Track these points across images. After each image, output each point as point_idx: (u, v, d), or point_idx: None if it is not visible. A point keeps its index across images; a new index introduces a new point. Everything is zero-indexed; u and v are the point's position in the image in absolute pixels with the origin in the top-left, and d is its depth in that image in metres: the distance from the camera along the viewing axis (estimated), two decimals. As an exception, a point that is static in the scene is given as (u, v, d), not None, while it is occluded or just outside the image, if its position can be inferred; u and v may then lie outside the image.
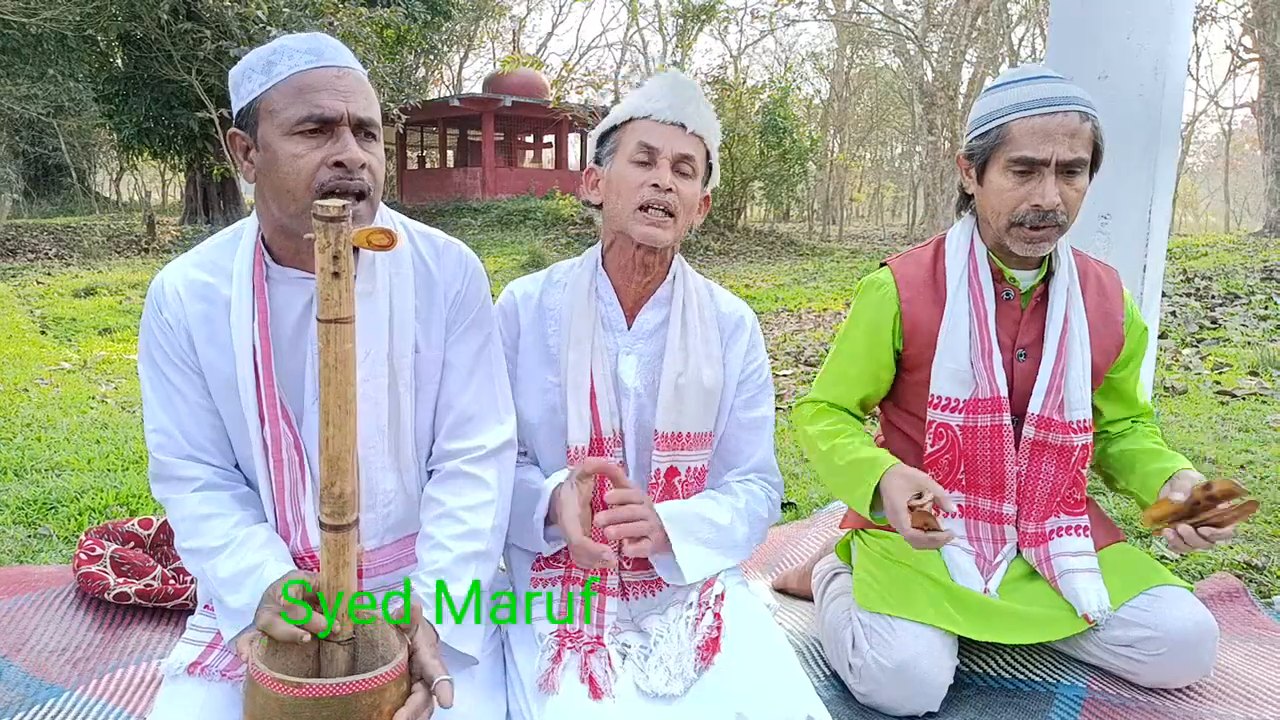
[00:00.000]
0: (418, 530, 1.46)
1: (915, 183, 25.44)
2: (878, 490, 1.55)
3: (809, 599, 2.05)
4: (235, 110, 1.33)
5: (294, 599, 1.19)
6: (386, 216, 1.45)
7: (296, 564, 1.35)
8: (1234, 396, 4.42)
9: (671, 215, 1.50)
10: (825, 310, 9.88)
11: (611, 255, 1.60)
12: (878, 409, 1.91)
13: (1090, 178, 1.61)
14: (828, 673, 1.72)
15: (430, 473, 1.49)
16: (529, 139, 27.26)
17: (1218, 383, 4.76)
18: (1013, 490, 1.67)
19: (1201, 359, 5.53)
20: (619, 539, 1.41)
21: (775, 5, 18.69)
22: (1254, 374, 4.96)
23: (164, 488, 1.38)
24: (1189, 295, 8.05)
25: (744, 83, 20.45)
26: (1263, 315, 6.90)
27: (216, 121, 16.20)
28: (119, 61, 17.71)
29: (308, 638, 1.18)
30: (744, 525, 1.59)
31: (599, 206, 1.61)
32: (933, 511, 1.45)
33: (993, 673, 1.70)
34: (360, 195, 1.29)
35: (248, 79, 1.30)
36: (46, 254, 14.31)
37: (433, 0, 19.03)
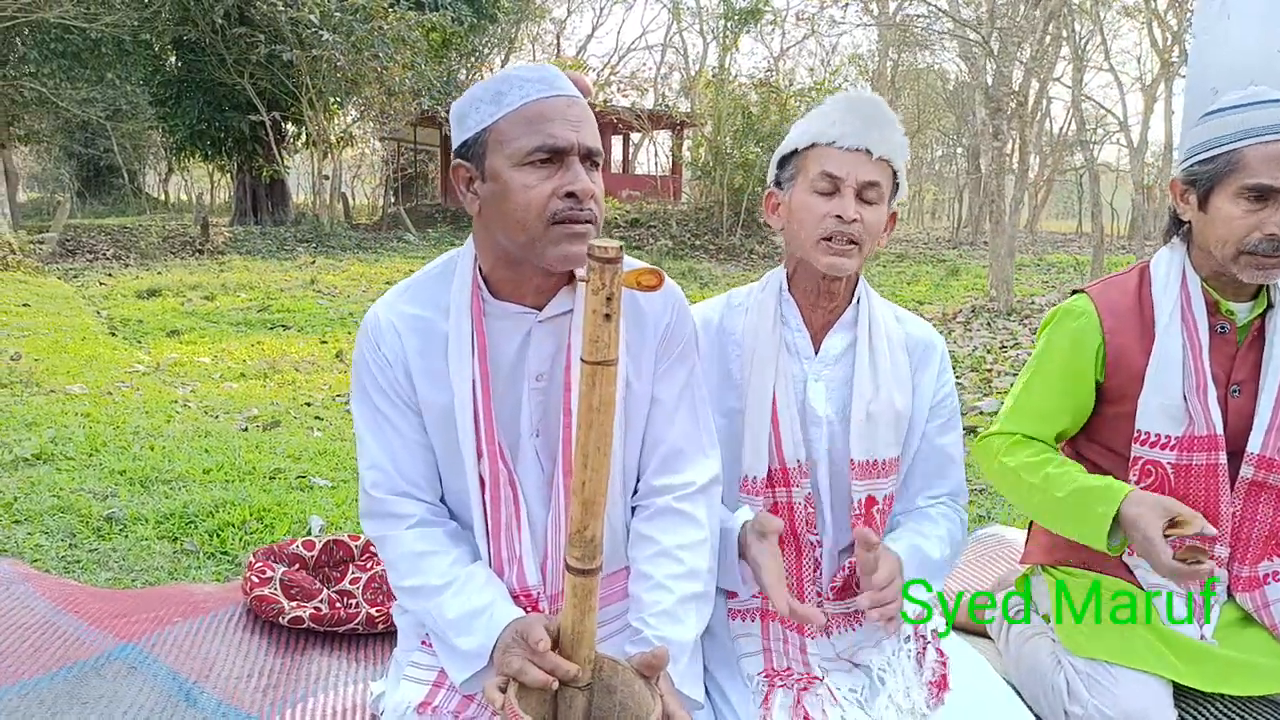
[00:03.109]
0: (622, 566, 1.43)
1: (961, 186, 25.14)
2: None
3: (972, 633, 1.99)
4: (459, 141, 1.31)
5: (530, 637, 1.16)
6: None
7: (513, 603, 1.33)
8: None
9: (856, 244, 1.46)
10: (883, 318, 9.76)
11: (797, 280, 1.56)
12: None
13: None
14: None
15: (633, 509, 1.46)
16: (570, 140, 27.26)
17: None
18: (1226, 531, 1.60)
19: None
20: (880, 619, 1.35)
21: (819, 7, 18.56)
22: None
23: (378, 525, 1.36)
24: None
25: (789, 85, 20.35)
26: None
27: (267, 124, 16.45)
28: (173, 65, 18.03)
29: (557, 684, 1.16)
30: (949, 551, 1.56)
31: (780, 230, 1.57)
32: (1200, 544, 1.38)
33: (1204, 723, 1.63)
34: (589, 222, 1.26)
35: (476, 109, 1.28)
36: (105, 255, 14.58)
37: (479, 3, 19.14)
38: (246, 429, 4.15)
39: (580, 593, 1.17)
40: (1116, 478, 1.67)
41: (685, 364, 1.46)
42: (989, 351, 7.67)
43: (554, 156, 1.23)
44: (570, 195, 1.23)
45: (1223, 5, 2.76)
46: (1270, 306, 1.61)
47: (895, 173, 1.52)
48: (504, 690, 1.14)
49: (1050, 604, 1.70)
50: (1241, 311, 1.62)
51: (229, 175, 21.26)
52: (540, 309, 1.33)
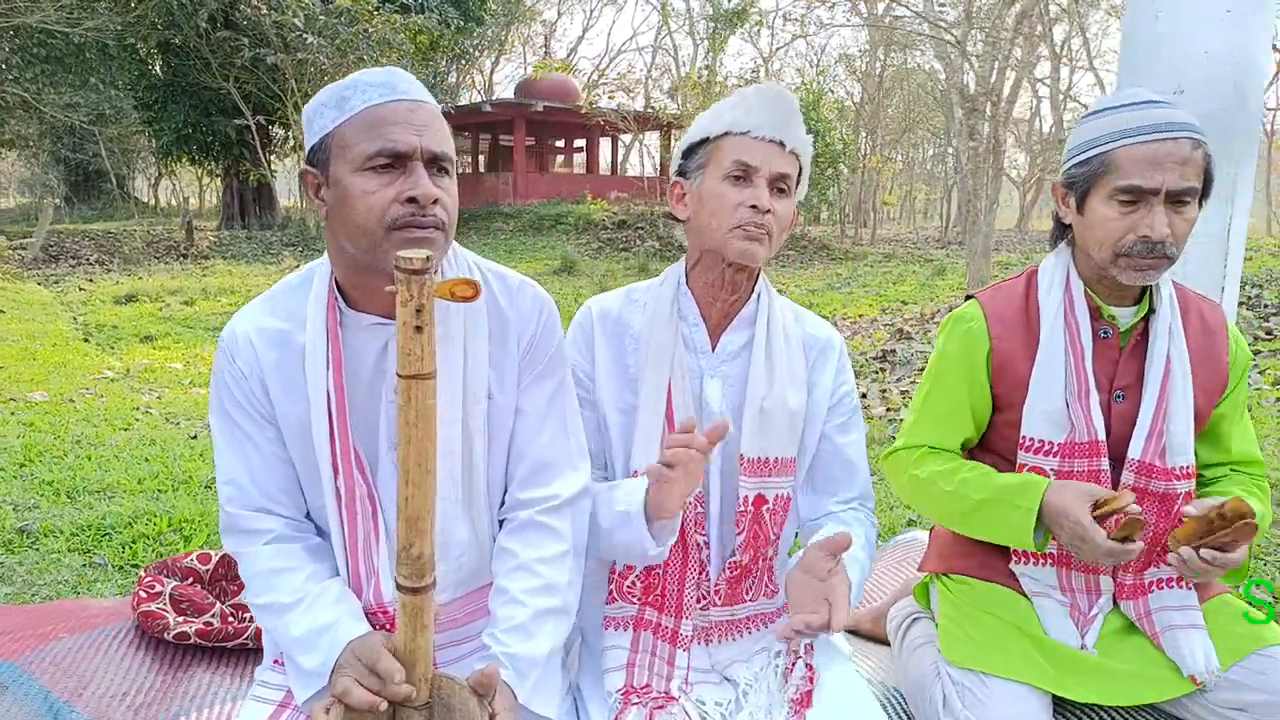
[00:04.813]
0: (489, 582, 1.41)
1: (949, 186, 25.14)
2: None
3: (883, 642, 1.97)
4: (308, 147, 1.29)
5: (381, 667, 1.14)
6: (460, 255, 1.40)
7: (369, 619, 1.31)
8: (1300, 415, 4.26)
9: (768, 234, 1.45)
10: (861, 317, 9.76)
11: (697, 273, 1.54)
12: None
13: (1200, 206, 1.51)
14: (913, 728, 1.64)
15: (501, 522, 1.44)
16: (560, 143, 27.33)
17: (1279, 400, 4.60)
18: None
19: (1260, 373, 5.36)
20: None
21: (807, 8, 18.57)
22: (1318, 390, 4.79)
23: (235, 541, 1.34)
24: (1240, 304, 7.83)
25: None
26: (1320, 326, 6.68)
27: (253, 128, 16.41)
28: (158, 69, 18.01)
29: (385, 706, 1.14)
30: (867, 559, 1.55)
31: (683, 221, 1.54)
32: (1137, 517, 1.37)
33: (1087, 731, 1.61)
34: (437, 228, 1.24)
35: (320, 115, 1.26)
36: (88, 260, 14.54)
37: (466, 6, 19.13)
38: (197, 436, 4.12)
39: (411, 611, 1.15)
40: (1007, 485, 1.65)
41: (553, 375, 1.43)
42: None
43: (395, 161, 1.22)
44: (411, 200, 1.21)
45: (1151, 3, 2.74)
46: (1152, 311, 1.60)
47: (802, 168, 1.51)
48: (328, 711, 1.12)
49: (938, 613, 1.68)
50: (1124, 316, 1.60)
51: (217, 180, 21.25)
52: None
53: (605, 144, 25.29)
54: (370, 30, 15.75)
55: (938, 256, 18.11)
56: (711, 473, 1.53)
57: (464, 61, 24.27)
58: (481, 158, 26.12)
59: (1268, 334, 6.55)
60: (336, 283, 1.33)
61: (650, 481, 1.34)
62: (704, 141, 1.49)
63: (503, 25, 26.94)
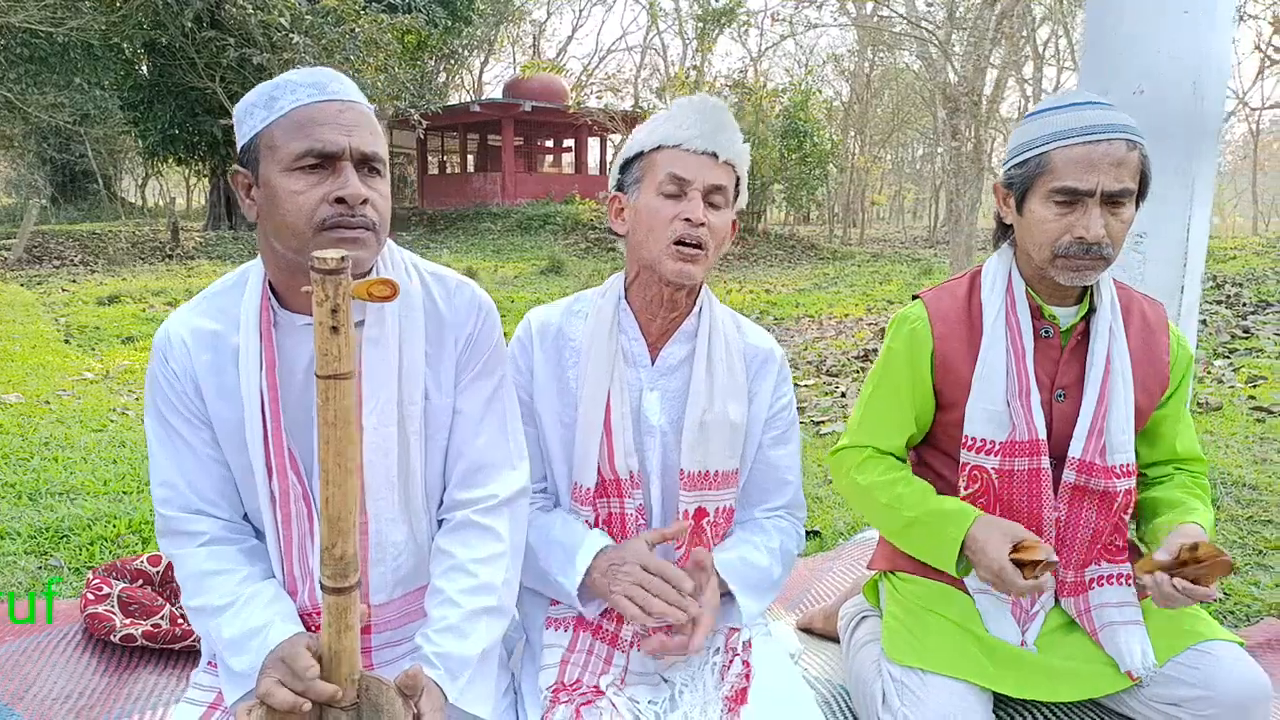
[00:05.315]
0: (427, 583, 1.41)
1: (937, 185, 25.21)
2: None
3: (836, 640, 1.98)
4: (239, 147, 1.29)
5: (298, 665, 1.14)
6: (396, 254, 1.40)
7: (304, 621, 1.31)
8: (1270, 413, 4.29)
9: (703, 249, 1.44)
10: (847, 316, 9.78)
11: (636, 288, 1.54)
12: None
13: (1136, 207, 1.52)
14: (856, 726, 1.64)
15: (440, 522, 1.44)
16: (549, 144, 27.29)
17: (1252, 397, 4.62)
18: (1051, 537, 1.58)
19: (1234, 371, 5.39)
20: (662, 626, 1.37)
21: (795, 8, 18.58)
22: (1290, 388, 4.82)
23: (170, 543, 1.34)
24: (1219, 303, 7.88)
25: (764, 85, 20.35)
26: (1297, 325, 6.72)
27: (239, 128, 16.31)
28: (144, 69, 17.90)
29: (309, 706, 1.14)
30: (779, 566, 1.56)
31: (623, 235, 1.54)
32: (1048, 560, 1.39)
33: (1030, 727, 1.62)
34: (367, 229, 1.24)
35: (250, 115, 1.25)
36: (72, 261, 14.46)
37: (454, 5, 19.08)
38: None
39: (335, 611, 1.15)
40: (954, 484, 1.67)
41: (491, 376, 1.43)
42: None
43: (324, 161, 1.21)
44: (340, 201, 1.21)
45: (1111, 4, 2.76)
46: (1093, 310, 1.60)
47: (739, 178, 1.50)
48: (249, 713, 1.12)
49: (884, 610, 1.69)
50: (1065, 315, 1.60)
51: (204, 180, 21.15)
52: None
53: (594, 144, 25.27)
54: (357, 30, 15.70)
55: (925, 256, 18.15)
56: (653, 486, 1.53)
57: (452, 61, 24.22)
58: (470, 158, 26.08)
59: (1245, 332, 6.59)
60: (270, 284, 1.33)
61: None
62: (639, 155, 1.49)
63: (491, 25, 26.90)
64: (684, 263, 1.43)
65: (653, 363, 1.54)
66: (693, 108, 1.46)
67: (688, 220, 1.41)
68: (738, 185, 1.51)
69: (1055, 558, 1.42)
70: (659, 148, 1.46)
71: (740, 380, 1.55)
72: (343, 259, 1.03)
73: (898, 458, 1.72)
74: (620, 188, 1.53)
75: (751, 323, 1.66)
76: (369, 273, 1.31)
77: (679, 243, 1.42)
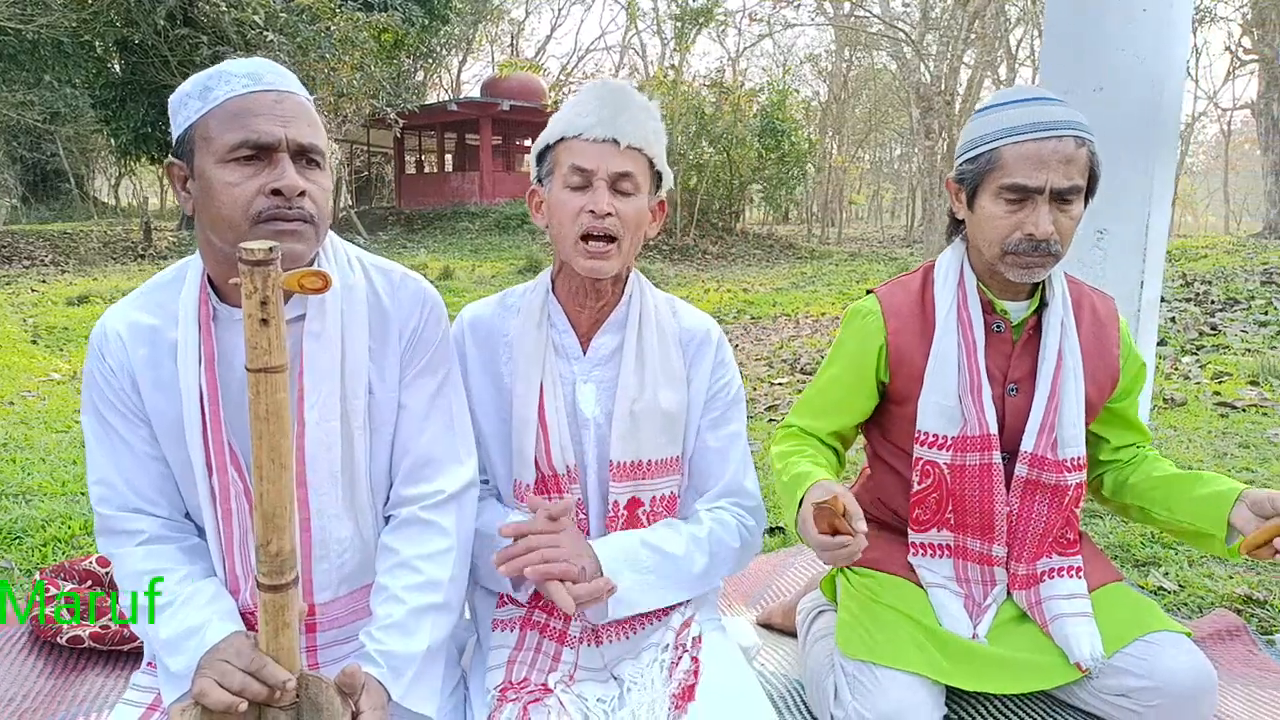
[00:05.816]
0: (371, 581, 1.39)
1: (914, 185, 25.38)
2: None
3: (795, 635, 1.98)
4: (174, 139, 1.26)
5: (234, 664, 1.12)
6: (339, 248, 1.38)
7: (246, 620, 1.28)
8: (1234, 408, 4.34)
9: (614, 240, 1.40)
10: (823, 315, 9.82)
11: (561, 280, 1.52)
12: (865, 441, 1.84)
13: (1086, 204, 1.53)
14: (810, 721, 1.64)
15: (387, 519, 1.42)
16: (527, 143, 27.17)
17: (1218, 393, 4.68)
18: (1003, 531, 1.59)
19: (1201, 367, 5.45)
20: (539, 578, 1.32)
21: (773, 8, 18.65)
22: (1254, 383, 4.88)
23: (108, 542, 1.32)
24: (1188, 300, 7.97)
25: (742, 85, 20.40)
26: (1263, 321, 6.82)
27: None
28: (116, 67, 17.66)
29: (245, 706, 1.12)
30: (703, 556, 1.47)
31: (545, 228, 1.52)
32: (841, 512, 1.34)
33: (983, 720, 1.63)
34: (304, 221, 1.22)
35: (185, 105, 1.23)
36: (42, 261, 14.25)
37: (431, 4, 18.97)
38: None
39: (272, 609, 1.13)
40: (907, 478, 1.67)
41: (437, 370, 1.42)
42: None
43: (260, 153, 1.19)
44: (276, 193, 1.19)
45: (1071, 2, 2.78)
46: (1044, 305, 1.61)
47: (651, 161, 1.45)
48: (184, 713, 1.10)
49: (840, 605, 1.69)
50: (1016, 310, 1.61)
51: (178, 179, 20.86)
52: None
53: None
54: (332, 28, 15.58)
55: (902, 255, 18.26)
56: (590, 478, 1.51)
57: (430, 60, 24.09)
58: (448, 157, 25.95)
59: (1213, 329, 6.67)
60: (209, 277, 1.31)
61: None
62: (549, 148, 1.46)
63: (470, 24, 26.79)
64: (594, 259, 1.40)
65: (584, 354, 1.52)
66: (593, 94, 1.42)
67: (592, 212, 1.38)
68: (654, 167, 1.46)
69: (861, 525, 1.34)
70: (562, 139, 1.42)
71: (676, 366, 1.51)
72: (271, 250, 1.02)
73: (825, 443, 1.71)
74: (539, 180, 1.50)
75: (689, 305, 1.62)
76: (311, 265, 1.29)
77: (586, 237, 1.39)
